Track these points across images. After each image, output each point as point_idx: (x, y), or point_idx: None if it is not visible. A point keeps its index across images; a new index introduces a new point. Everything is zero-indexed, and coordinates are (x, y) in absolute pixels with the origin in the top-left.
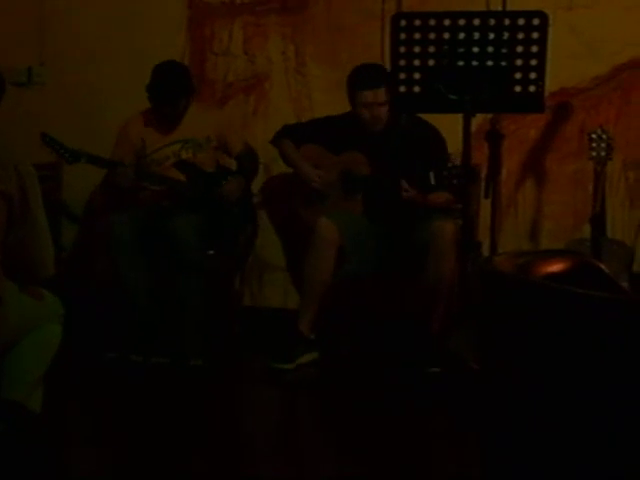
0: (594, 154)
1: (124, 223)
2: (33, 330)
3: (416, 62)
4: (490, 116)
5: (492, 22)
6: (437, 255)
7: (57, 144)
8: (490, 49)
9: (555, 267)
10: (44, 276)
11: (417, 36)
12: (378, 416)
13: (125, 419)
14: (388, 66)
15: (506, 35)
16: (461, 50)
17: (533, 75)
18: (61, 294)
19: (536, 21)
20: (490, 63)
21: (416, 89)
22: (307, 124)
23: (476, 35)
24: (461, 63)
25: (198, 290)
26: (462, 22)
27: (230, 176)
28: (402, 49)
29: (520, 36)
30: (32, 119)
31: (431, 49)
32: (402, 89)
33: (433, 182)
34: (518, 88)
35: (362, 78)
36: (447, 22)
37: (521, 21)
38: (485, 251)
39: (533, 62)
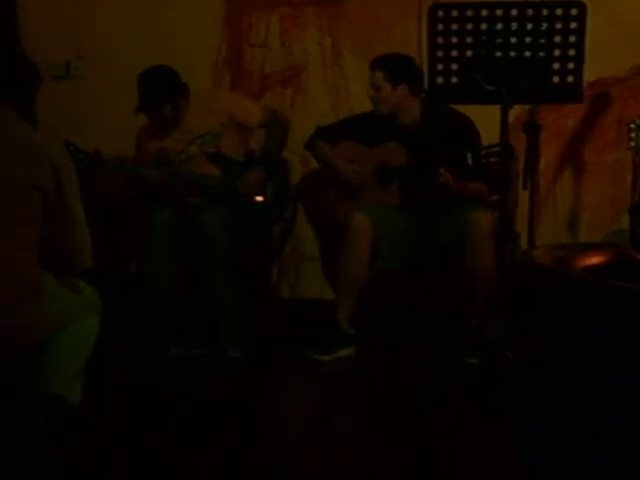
0: (633, 144)
1: (162, 217)
2: (71, 322)
3: (453, 53)
4: (528, 107)
5: (530, 12)
6: (474, 247)
7: (81, 152)
8: (528, 39)
9: (594, 260)
10: (81, 268)
11: (454, 27)
12: (415, 409)
13: (163, 411)
14: (426, 57)
15: (544, 25)
16: (499, 41)
17: (571, 65)
18: (97, 286)
19: (574, 11)
20: (528, 54)
21: (454, 80)
22: (340, 123)
23: (514, 25)
24: (499, 54)
25: (229, 283)
26: (500, 12)
27: (249, 169)
28: (439, 40)
29: (558, 26)
30: (70, 113)
31: (468, 40)
32: (440, 80)
33: (470, 162)
34: (556, 78)
35: None
36: (485, 13)
37: (559, 11)
38: (523, 242)
39: (571, 52)
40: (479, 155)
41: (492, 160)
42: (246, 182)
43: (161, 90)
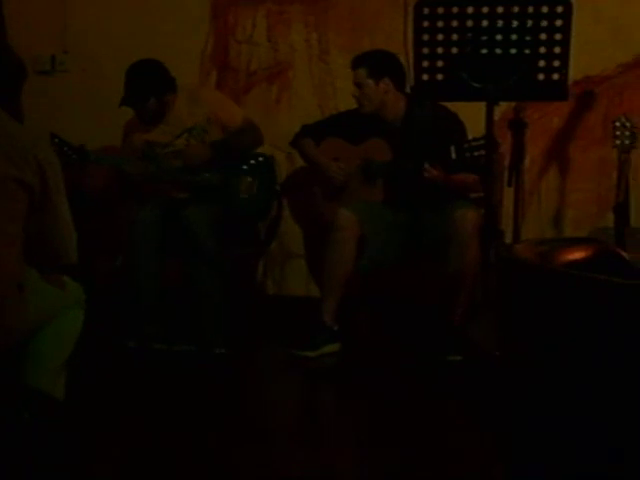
0: (618, 142)
1: (147, 212)
2: (55, 317)
3: (439, 50)
4: (514, 104)
5: (516, 10)
6: (459, 243)
7: (65, 145)
8: (514, 37)
9: (576, 255)
10: (66, 263)
11: (440, 24)
12: (399, 404)
13: (147, 406)
14: (411, 54)
15: (530, 23)
16: (484, 38)
17: (557, 63)
18: (82, 280)
19: (560, 9)
20: (514, 51)
21: (439, 77)
22: (326, 120)
23: (500, 23)
24: (484, 51)
25: (214, 279)
26: (486, 10)
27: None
28: (425, 37)
29: (544, 24)
30: (56, 107)
31: (454, 37)
32: (425, 77)
33: (454, 156)
34: (542, 76)
35: None
36: (470, 10)
37: (545, 9)
38: (508, 240)
39: (557, 50)
40: (463, 148)
41: (476, 154)
42: (189, 152)
43: (147, 84)
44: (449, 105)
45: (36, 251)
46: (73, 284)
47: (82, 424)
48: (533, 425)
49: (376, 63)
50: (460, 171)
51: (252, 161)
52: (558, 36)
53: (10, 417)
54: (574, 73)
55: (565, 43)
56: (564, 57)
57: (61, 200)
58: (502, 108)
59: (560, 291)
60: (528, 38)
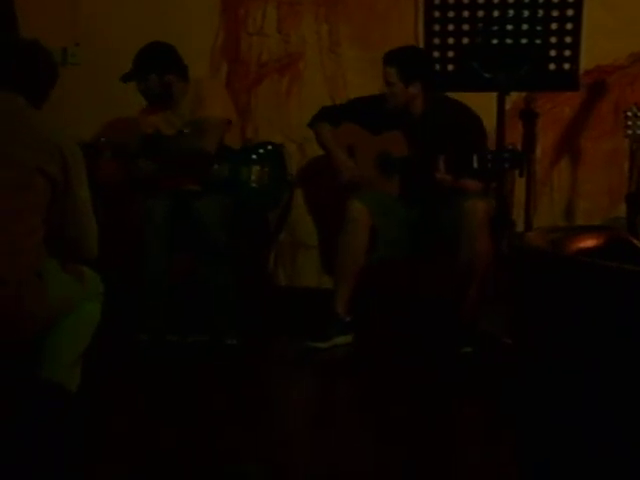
0: (630, 132)
1: (158, 205)
2: (73, 309)
3: (450, 40)
4: (524, 94)
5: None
6: (469, 234)
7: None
8: (525, 27)
9: (588, 242)
10: (87, 257)
11: (451, 14)
12: (410, 398)
13: (160, 397)
14: (422, 44)
15: (541, 12)
16: (495, 28)
17: (568, 53)
18: (101, 272)
19: None
20: (525, 41)
21: (450, 67)
22: (346, 104)
23: (510, 13)
24: (495, 41)
25: (225, 270)
26: (496, 0)
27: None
28: (436, 27)
29: (555, 13)
30: (67, 101)
31: (465, 27)
32: (436, 67)
33: (476, 165)
34: (553, 66)
35: None
36: (481, 0)
37: None
38: (519, 230)
39: (568, 40)
40: (485, 158)
41: (506, 166)
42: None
43: (149, 59)
44: (461, 96)
45: (59, 243)
46: (91, 274)
47: (95, 417)
48: (546, 417)
49: (409, 65)
50: (477, 178)
51: (261, 150)
52: (569, 26)
53: (25, 409)
54: (585, 63)
55: (576, 33)
56: (575, 47)
57: (83, 192)
58: (513, 98)
59: (572, 278)
60: (539, 28)
